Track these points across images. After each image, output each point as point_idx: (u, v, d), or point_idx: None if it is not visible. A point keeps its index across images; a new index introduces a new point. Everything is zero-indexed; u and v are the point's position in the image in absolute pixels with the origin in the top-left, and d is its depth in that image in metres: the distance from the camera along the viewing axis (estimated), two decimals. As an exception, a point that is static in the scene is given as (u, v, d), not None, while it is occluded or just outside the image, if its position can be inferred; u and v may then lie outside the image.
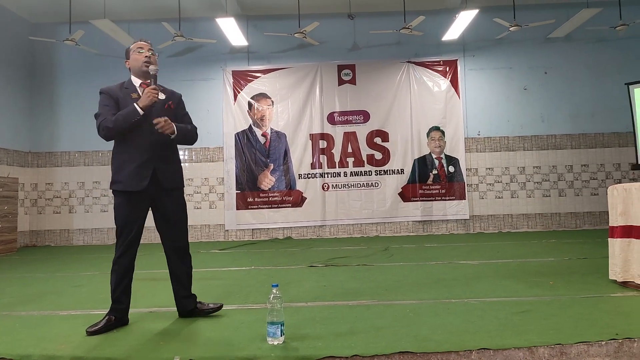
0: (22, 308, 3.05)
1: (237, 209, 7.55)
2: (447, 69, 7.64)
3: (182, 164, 2.81)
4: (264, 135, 7.66)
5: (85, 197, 7.80)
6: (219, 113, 7.75)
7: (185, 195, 2.78)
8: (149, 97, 2.46)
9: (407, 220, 7.54)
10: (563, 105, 7.64)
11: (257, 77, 7.71)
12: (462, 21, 6.76)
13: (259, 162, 7.63)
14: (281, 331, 2.15)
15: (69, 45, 6.85)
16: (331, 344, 2.12)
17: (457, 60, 7.65)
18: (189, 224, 2.56)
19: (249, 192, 7.59)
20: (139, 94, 2.58)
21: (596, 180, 7.55)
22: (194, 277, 2.81)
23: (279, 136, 7.65)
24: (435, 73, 7.65)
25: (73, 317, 2.77)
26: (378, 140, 7.62)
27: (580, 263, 4.15)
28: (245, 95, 7.72)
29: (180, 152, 8.48)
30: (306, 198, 7.55)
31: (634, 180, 7.33)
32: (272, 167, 7.61)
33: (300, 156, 7.60)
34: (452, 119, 7.58)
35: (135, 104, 2.47)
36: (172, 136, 2.55)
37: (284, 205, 7.55)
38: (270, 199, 7.58)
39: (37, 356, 2.05)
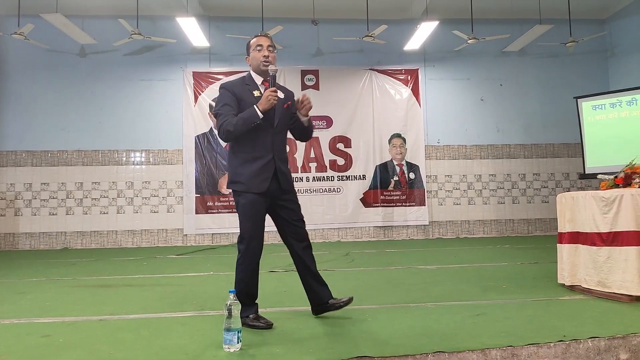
0: (-41, 317, 2.83)
1: (196, 213, 7.36)
2: (409, 77, 7.82)
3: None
4: (224, 138, 7.52)
5: (32, 200, 7.36)
6: (178, 115, 7.55)
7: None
8: (269, 100, 2.39)
9: (368, 226, 7.61)
10: (517, 116, 8.00)
11: (218, 79, 7.57)
12: (423, 32, 6.96)
13: (220, 165, 7.48)
14: (238, 338, 2.10)
15: (17, 39, 6.48)
16: (289, 350, 2.08)
17: (418, 69, 7.85)
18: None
19: (209, 196, 7.42)
20: (260, 92, 2.52)
21: (547, 189, 7.94)
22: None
23: (240, 140, 7.54)
24: (397, 81, 7.82)
25: (16, 326, 2.61)
26: (341, 146, 7.67)
27: (531, 268, 4.31)
28: (206, 97, 7.56)
29: (137, 154, 8.13)
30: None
31: (581, 188, 7.77)
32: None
33: (262, 161, 7.50)
34: (413, 127, 7.76)
35: (255, 107, 2.41)
36: (306, 119, 2.57)
37: (245, 210, 7.42)
38: (231, 203, 7.43)
39: None
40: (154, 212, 7.43)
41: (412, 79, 7.83)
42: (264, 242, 2.68)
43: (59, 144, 7.45)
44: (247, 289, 2.59)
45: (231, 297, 2.14)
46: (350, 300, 2.64)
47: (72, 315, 2.82)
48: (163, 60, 7.67)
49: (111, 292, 3.64)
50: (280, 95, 2.55)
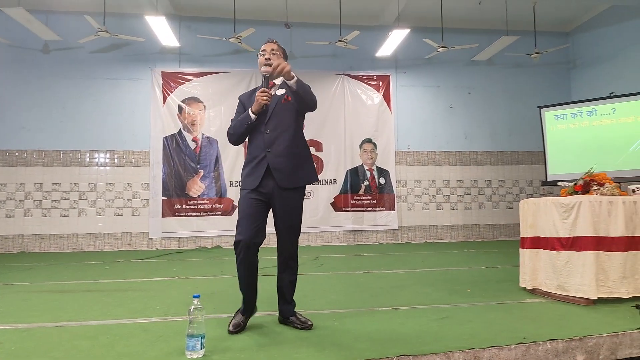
0: None
1: (162, 217, 7.16)
2: (380, 83, 7.91)
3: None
4: (194, 140, 7.37)
5: (-15, 201, 6.99)
6: (146, 115, 7.35)
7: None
8: (258, 100, 2.46)
9: (338, 230, 7.63)
10: (484, 124, 8.23)
11: (188, 80, 7.43)
12: (395, 39, 7.06)
13: (188, 167, 7.32)
14: (201, 344, 2.05)
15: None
16: (253, 356, 2.05)
17: (389, 75, 7.95)
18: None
19: (176, 199, 7.24)
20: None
21: (511, 195, 8.18)
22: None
23: (210, 142, 7.41)
24: (369, 87, 7.89)
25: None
26: (312, 150, 7.65)
27: (495, 272, 4.43)
28: (175, 98, 7.40)
29: (102, 155, 7.85)
30: (237, 206, 7.35)
31: (544, 195, 8.05)
32: (202, 173, 7.34)
33: (232, 163, 7.40)
34: (383, 132, 7.84)
35: (249, 109, 2.53)
36: (292, 82, 2.41)
37: (213, 213, 7.30)
38: (199, 206, 7.29)
39: None
40: (118, 215, 7.20)
41: (383, 85, 7.93)
42: (231, 246, 2.62)
43: (18, 143, 7.11)
44: (240, 288, 2.61)
45: (195, 302, 2.09)
46: (306, 327, 2.54)
47: (26, 322, 2.70)
48: (131, 59, 7.46)
49: (69, 297, 3.50)
50: (280, 91, 2.59)
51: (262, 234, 2.54)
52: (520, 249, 3.52)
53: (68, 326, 2.62)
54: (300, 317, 2.59)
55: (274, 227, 2.63)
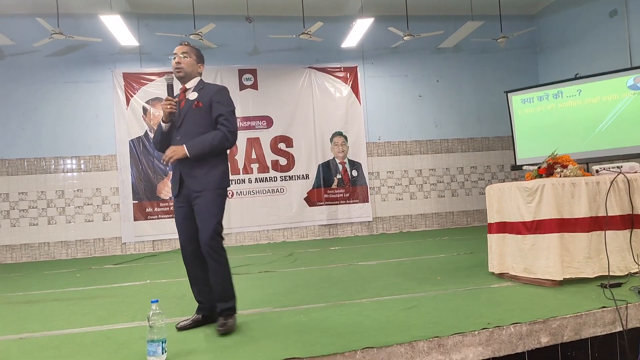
0: None
1: (135, 220, 7.01)
2: (348, 75, 7.89)
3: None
4: (161, 141, 7.23)
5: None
6: (109, 118, 7.15)
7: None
8: (163, 109, 2.52)
9: (313, 225, 7.61)
10: (453, 111, 8.32)
11: (151, 80, 7.25)
12: (359, 29, 7.03)
13: (157, 170, 7.18)
14: (162, 349, 2.02)
15: None
16: (217, 356, 2.03)
17: (356, 67, 7.93)
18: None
19: (147, 202, 7.10)
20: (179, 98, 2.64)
21: (484, 181, 8.31)
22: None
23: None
24: (337, 79, 7.86)
25: None
26: (282, 145, 7.61)
27: (466, 258, 4.48)
28: (139, 99, 7.21)
29: (67, 161, 7.64)
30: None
31: (515, 179, 8.20)
32: (171, 174, 7.20)
33: (203, 163, 7.30)
34: (353, 125, 7.84)
35: (161, 119, 2.59)
36: (190, 156, 2.47)
37: (186, 214, 7.19)
38: (171, 208, 7.15)
39: None
40: (89, 222, 7.01)
41: (351, 77, 7.91)
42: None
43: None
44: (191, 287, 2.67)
45: (153, 307, 2.05)
46: (223, 333, 2.40)
47: (-12, 335, 2.61)
48: (89, 61, 7.21)
49: (36, 308, 3.41)
50: (193, 95, 2.58)
51: (192, 242, 2.56)
52: (487, 235, 3.56)
53: (32, 337, 2.56)
54: (224, 324, 2.43)
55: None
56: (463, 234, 6.77)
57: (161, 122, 2.57)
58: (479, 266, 3.89)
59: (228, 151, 2.71)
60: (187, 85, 2.61)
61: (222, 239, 2.52)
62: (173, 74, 2.62)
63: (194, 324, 2.55)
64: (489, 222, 3.57)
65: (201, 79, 2.66)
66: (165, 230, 7.09)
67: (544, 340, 2.30)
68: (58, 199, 6.98)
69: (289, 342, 2.17)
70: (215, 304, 2.53)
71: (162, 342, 2.02)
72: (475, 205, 8.22)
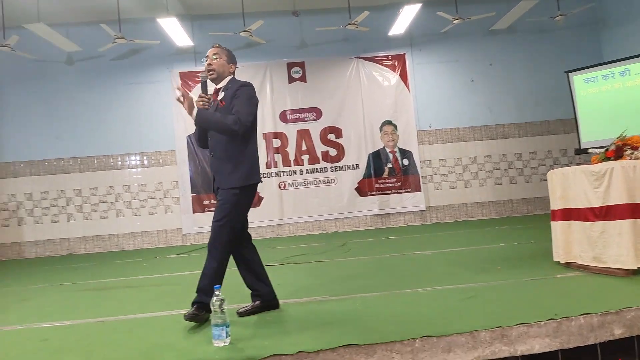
0: (-39, 327, 2.87)
1: (193, 212, 7.38)
2: (396, 63, 7.74)
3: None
4: (215, 136, 7.51)
5: (34, 208, 7.41)
6: (168, 116, 7.53)
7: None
8: (196, 106, 2.58)
9: (365, 215, 7.61)
10: (509, 95, 7.93)
11: (205, 78, 7.54)
12: (407, 16, 6.87)
13: (213, 163, 7.48)
14: (226, 333, 2.12)
15: (4, 51, 6.45)
16: (278, 342, 2.10)
17: (405, 54, 7.77)
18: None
19: (204, 195, 7.42)
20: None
21: (544, 167, 7.88)
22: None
23: (231, 137, 7.53)
24: (385, 68, 7.74)
25: (16, 332, 2.66)
26: (332, 136, 7.64)
27: (528, 247, 4.30)
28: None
29: (132, 157, 8.13)
30: (263, 198, 7.47)
31: (580, 164, 7.70)
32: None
33: (255, 156, 7.51)
34: (403, 113, 7.70)
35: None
36: (192, 117, 2.57)
37: (240, 206, 7.44)
38: (227, 200, 7.45)
39: None
40: (153, 214, 7.46)
41: (399, 65, 7.76)
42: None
43: (55, 152, 7.47)
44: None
45: (216, 293, 2.15)
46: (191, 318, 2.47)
47: (70, 319, 2.87)
48: (149, 63, 7.61)
49: (110, 294, 3.70)
50: (220, 96, 2.65)
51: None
52: (551, 222, 3.40)
53: (107, 321, 2.77)
54: (191, 310, 2.49)
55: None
56: (523, 223, 6.48)
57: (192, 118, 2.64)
58: (543, 256, 3.71)
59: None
60: (219, 86, 2.69)
61: (231, 237, 2.56)
62: (207, 73, 2.69)
63: (253, 310, 2.65)
64: (552, 209, 3.40)
65: (232, 78, 2.71)
66: (222, 222, 7.38)
67: (618, 332, 2.17)
68: (125, 193, 7.48)
69: (346, 329, 2.20)
70: (271, 290, 2.66)
71: (226, 327, 2.12)
72: (536, 193, 7.83)
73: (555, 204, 3.37)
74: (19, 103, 7.48)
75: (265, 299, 2.70)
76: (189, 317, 2.45)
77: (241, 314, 2.63)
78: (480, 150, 7.84)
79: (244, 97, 2.57)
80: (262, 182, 2.78)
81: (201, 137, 2.74)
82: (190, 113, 2.56)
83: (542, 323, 2.11)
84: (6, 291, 4.19)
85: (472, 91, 7.91)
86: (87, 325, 2.71)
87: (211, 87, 2.71)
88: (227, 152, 2.58)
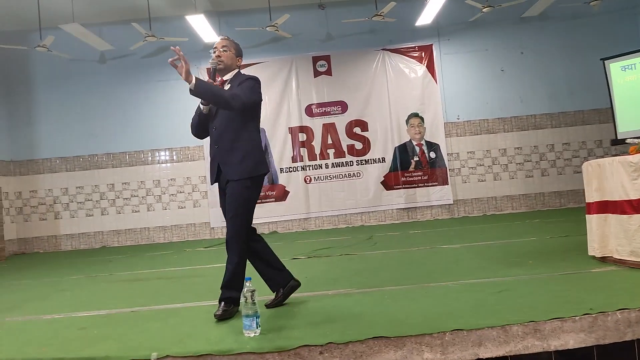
0: (6, 314, 3.04)
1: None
2: (423, 54, 7.62)
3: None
4: (243, 131, 7.60)
5: (69, 203, 7.73)
6: (197, 111, 7.68)
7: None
8: None
9: (391, 208, 7.56)
10: (541, 84, 7.69)
11: (232, 73, 7.64)
12: (434, 5, 6.73)
13: (239, 158, 7.59)
14: (257, 323, 2.15)
15: (41, 52, 6.71)
16: (307, 333, 2.11)
17: (432, 45, 7.64)
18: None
19: (231, 189, 7.55)
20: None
21: (578, 158, 7.62)
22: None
23: (258, 131, 7.61)
24: (411, 59, 7.64)
25: (56, 321, 2.77)
26: (357, 130, 7.61)
27: (561, 241, 4.18)
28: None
29: (162, 153, 8.32)
30: (289, 192, 7.54)
31: (616, 155, 7.40)
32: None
33: (281, 150, 7.57)
34: (430, 105, 7.59)
35: (200, 103, 2.64)
36: (190, 85, 2.46)
37: (267, 200, 7.53)
38: (252, 194, 7.55)
39: None
40: (182, 208, 7.64)
41: (426, 56, 7.63)
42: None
43: (89, 148, 7.75)
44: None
45: (247, 284, 2.19)
46: (222, 316, 2.48)
47: (106, 309, 2.98)
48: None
49: (143, 285, 3.82)
50: (226, 87, 2.64)
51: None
52: (586, 215, 3.29)
53: (141, 310, 2.86)
54: (217, 310, 2.50)
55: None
56: (556, 216, 6.30)
57: (200, 104, 2.63)
58: (577, 250, 3.59)
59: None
60: (225, 78, 2.69)
61: (247, 231, 2.61)
62: (216, 61, 2.66)
63: (280, 300, 2.67)
64: (587, 201, 3.28)
65: (239, 71, 2.73)
66: (248, 216, 7.49)
67: (657, 329, 2.09)
68: (155, 187, 7.69)
69: (375, 322, 2.20)
70: (287, 273, 2.69)
71: (256, 317, 2.15)
72: (569, 185, 7.59)
73: (591, 197, 3.25)
74: (55, 102, 7.79)
75: (285, 285, 2.70)
76: (220, 316, 2.47)
77: (269, 306, 2.65)
78: (511, 142, 7.65)
79: (247, 85, 2.60)
80: (269, 171, 2.79)
81: (200, 126, 2.68)
82: (188, 79, 2.41)
83: (577, 318, 2.05)
84: (45, 282, 4.39)
85: (502, 81, 7.71)
86: (122, 315, 2.80)
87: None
88: (235, 143, 2.57)
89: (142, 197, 7.70)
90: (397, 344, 1.96)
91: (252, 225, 2.75)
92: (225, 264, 2.63)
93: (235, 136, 2.58)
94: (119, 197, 7.72)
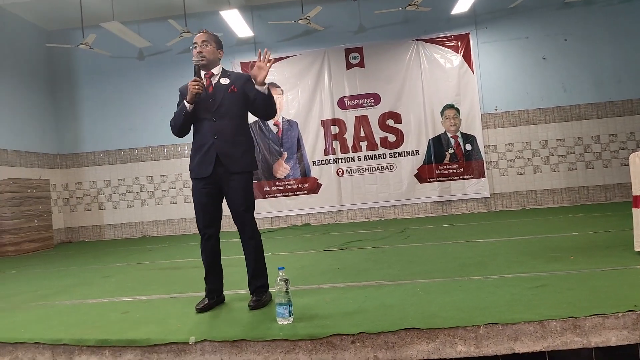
0: (55, 298, 3.24)
1: (255, 199, 7.62)
2: (459, 43, 7.41)
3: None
4: (275, 124, 7.68)
5: (112, 194, 8.09)
6: (232, 105, 7.81)
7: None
8: (190, 90, 2.52)
9: (424, 202, 7.44)
10: (586, 73, 7.32)
11: (264, 68, 7.71)
12: (472, -8, 6.53)
13: (272, 151, 7.67)
14: (290, 312, 2.19)
15: (83, 49, 7.02)
16: (339, 322, 2.13)
17: (468, 34, 7.40)
18: None
19: (265, 182, 7.66)
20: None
21: (626, 150, 7.22)
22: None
23: (290, 124, 7.66)
24: (447, 49, 7.44)
25: (101, 305, 2.93)
26: (390, 122, 7.51)
27: (605, 236, 3.99)
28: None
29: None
30: (322, 184, 7.56)
31: (668, 147, 6.98)
32: (286, 155, 7.65)
33: (313, 143, 7.60)
34: (466, 96, 7.37)
35: (185, 100, 2.59)
36: (263, 88, 2.57)
37: (300, 193, 7.60)
38: (286, 187, 7.63)
39: (67, 340, 2.18)
40: (217, 200, 7.83)
41: (462, 45, 7.41)
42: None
43: (129, 142, 8.07)
44: (206, 280, 2.71)
45: (280, 273, 2.23)
46: (252, 308, 2.51)
47: (147, 294, 3.12)
48: (213, 54, 7.95)
49: (181, 273, 3.97)
50: (225, 81, 2.64)
51: (215, 224, 2.67)
52: (633, 209, 3.12)
53: (180, 297, 2.98)
54: (252, 300, 2.56)
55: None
56: (601, 211, 6.01)
57: (186, 103, 2.57)
58: (622, 245, 3.43)
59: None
60: (214, 72, 2.67)
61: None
62: (204, 57, 2.63)
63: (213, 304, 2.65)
64: (634, 194, 3.11)
65: (222, 66, 2.72)
66: (281, 208, 7.60)
67: None
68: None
69: (407, 313, 2.19)
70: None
71: (289, 306, 2.19)
72: (616, 179, 7.21)
73: (638, 190, 3.09)
74: (97, 97, 8.15)
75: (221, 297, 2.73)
76: (255, 306, 2.52)
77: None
78: (552, 134, 7.34)
79: (255, 91, 2.65)
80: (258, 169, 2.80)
81: (186, 125, 2.66)
82: (263, 83, 2.55)
83: (620, 314, 1.96)
84: (90, 269, 4.62)
85: (544, 70, 7.38)
86: (161, 300, 2.93)
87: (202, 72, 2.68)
88: (238, 137, 2.60)
89: (179, 189, 7.95)
90: (430, 336, 1.95)
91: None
92: (247, 254, 2.70)
93: (238, 130, 2.61)
94: (157, 189, 8.00)
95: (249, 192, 2.65)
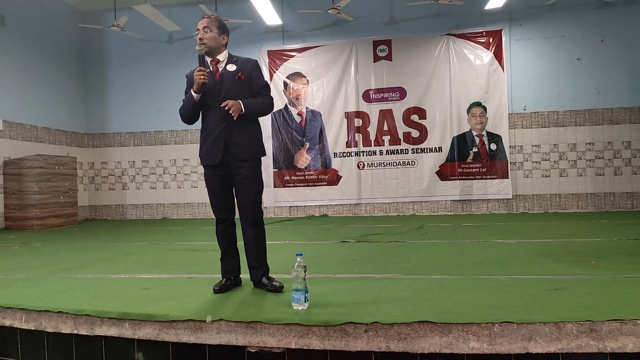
0: (78, 271, 3.36)
1: (274, 187, 7.71)
2: (491, 40, 7.25)
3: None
4: (299, 114, 7.70)
5: (136, 175, 8.28)
6: (256, 93, 7.86)
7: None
8: (196, 80, 2.50)
9: (445, 199, 7.37)
10: (622, 75, 7.06)
11: (292, 56, 7.71)
12: (508, -13, 6.36)
13: (295, 141, 7.70)
14: (305, 298, 2.22)
15: (115, 31, 7.17)
16: (353, 311, 2.15)
17: (501, 30, 7.23)
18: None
19: (285, 171, 7.71)
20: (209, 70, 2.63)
21: (658, 158, 6.98)
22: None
23: (314, 115, 7.67)
24: (477, 45, 7.29)
25: (122, 280, 3.03)
26: (415, 117, 7.44)
27: (630, 244, 3.90)
28: (280, 74, 7.75)
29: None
30: (342, 177, 7.57)
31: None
32: (307, 146, 7.67)
33: (336, 135, 7.59)
34: (495, 94, 7.23)
35: (191, 89, 2.57)
36: (242, 113, 2.53)
37: (320, 184, 7.62)
38: (306, 177, 7.66)
39: (89, 311, 2.28)
40: (238, 186, 7.93)
41: (494, 41, 7.24)
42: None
43: (155, 125, 8.23)
44: (222, 262, 2.75)
45: (298, 259, 2.26)
46: (277, 289, 2.56)
47: (167, 273, 3.21)
48: (241, 42, 7.95)
49: (199, 255, 4.05)
50: (232, 67, 2.61)
51: (228, 210, 2.69)
52: (661, 218, 3.04)
53: (198, 277, 3.05)
54: (272, 281, 2.61)
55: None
56: (626, 218, 5.86)
57: (192, 92, 2.55)
58: (647, 254, 3.35)
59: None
60: (220, 58, 2.64)
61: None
62: (204, 46, 2.59)
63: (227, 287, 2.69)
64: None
65: (228, 51, 2.68)
66: (300, 197, 7.65)
67: None
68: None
69: (422, 307, 2.19)
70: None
71: (305, 292, 2.22)
72: (644, 187, 6.99)
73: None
74: (126, 79, 8.32)
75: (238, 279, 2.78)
76: (272, 288, 2.58)
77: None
78: (582, 137, 7.14)
79: (262, 77, 2.72)
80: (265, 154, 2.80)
81: (196, 114, 2.65)
82: (239, 112, 2.50)
83: (639, 321, 1.93)
84: (113, 246, 4.76)
85: (578, 70, 7.17)
86: (180, 280, 3.00)
87: (209, 59, 2.68)
88: (245, 124, 2.60)
89: (201, 173, 8.03)
90: (443, 330, 1.95)
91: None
92: (247, 241, 2.70)
93: (245, 118, 2.59)
94: (179, 173, 8.16)
95: (257, 179, 2.66)
